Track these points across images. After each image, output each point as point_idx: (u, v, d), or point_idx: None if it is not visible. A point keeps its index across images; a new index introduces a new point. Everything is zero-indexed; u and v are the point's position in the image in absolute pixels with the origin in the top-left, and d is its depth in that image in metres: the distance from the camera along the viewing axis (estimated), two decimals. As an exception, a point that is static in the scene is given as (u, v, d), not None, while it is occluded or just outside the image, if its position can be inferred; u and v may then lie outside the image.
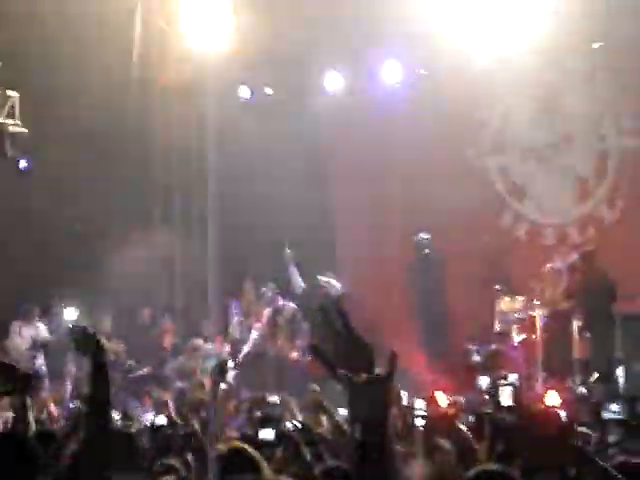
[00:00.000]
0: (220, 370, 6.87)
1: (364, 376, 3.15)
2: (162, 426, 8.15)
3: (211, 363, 13.10)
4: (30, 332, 13.68)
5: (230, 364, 12.59)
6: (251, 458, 5.14)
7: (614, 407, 10.16)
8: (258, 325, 14.15)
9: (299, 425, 7.22)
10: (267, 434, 6.80)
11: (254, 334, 14.27)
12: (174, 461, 5.94)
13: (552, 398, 9.18)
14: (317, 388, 8.40)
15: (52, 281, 14.01)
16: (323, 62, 15.86)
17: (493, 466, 4.61)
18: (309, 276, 14.37)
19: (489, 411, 8.50)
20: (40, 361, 13.68)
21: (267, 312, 14.08)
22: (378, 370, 3.20)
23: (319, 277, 14.02)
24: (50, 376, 13.85)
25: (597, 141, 15.53)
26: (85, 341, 4.21)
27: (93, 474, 4.04)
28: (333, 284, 13.80)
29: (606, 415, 9.81)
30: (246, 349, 14.18)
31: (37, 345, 13.69)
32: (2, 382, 4.82)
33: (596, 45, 14.93)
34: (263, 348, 14.05)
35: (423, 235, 14.90)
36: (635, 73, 14.77)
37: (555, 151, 15.69)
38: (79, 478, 4.14)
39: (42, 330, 13.89)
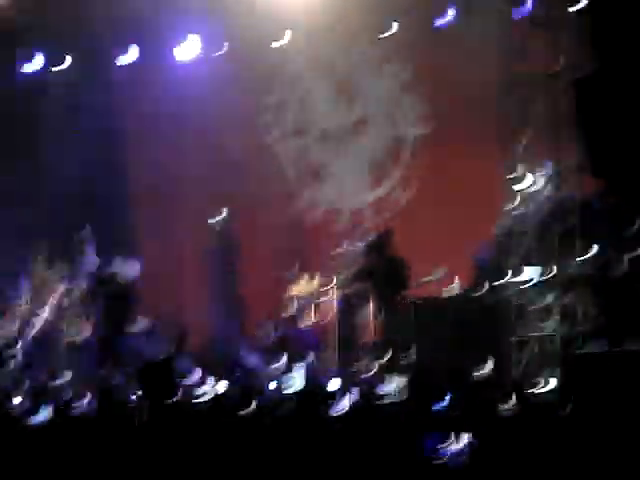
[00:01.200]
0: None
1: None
2: None
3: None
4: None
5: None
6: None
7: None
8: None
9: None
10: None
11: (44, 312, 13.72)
12: None
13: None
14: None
15: None
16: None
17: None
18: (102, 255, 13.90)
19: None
20: None
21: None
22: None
23: (113, 260, 13.55)
24: None
25: (391, 126, 15.74)
26: None
27: None
28: (125, 267, 13.38)
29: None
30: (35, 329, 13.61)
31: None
32: None
33: (385, 34, 15.08)
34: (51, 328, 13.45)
35: (218, 218, 14.67)
36: (429, 58, 15.04)
37: (351, 135, 15.84)
38: None
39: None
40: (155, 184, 15.79)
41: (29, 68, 15.55)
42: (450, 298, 12.62)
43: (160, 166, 15.71)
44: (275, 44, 15.16)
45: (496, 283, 11.99)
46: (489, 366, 10.57)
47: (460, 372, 10.15)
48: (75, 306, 13.21)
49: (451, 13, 14.45)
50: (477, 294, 12.12)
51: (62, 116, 15.39)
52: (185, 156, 15.86)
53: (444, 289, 12.88)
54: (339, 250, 13.98)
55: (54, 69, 15.62)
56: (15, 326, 13.57)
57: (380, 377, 11.13)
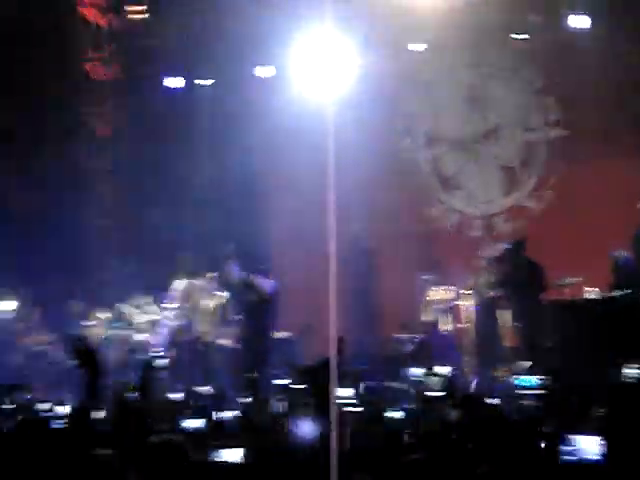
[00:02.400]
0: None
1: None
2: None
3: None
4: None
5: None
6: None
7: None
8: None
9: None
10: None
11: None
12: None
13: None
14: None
15: None
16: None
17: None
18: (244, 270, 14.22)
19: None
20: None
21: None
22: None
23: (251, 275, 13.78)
24: None
25: (524, 132, 15.74)
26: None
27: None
28: (263, 282, 13.67)
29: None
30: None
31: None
32: None
33: (520, 36, 15.10)
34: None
35: (357, 226, 14.78)
36: (561, 65, 15.00)
37: (483, 142, 15.88)
38: None
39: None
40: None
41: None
42: (590, 300, 12.46)
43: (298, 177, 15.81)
44: (410, 50, 15.25)
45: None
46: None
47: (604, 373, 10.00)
48: (221, 314, 13.54)
49: (582, 17, 14.42)
50: (618, 295, 11.95)
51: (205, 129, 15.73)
52: (323, 166, 15.93)
53: (585, 291, 12.73)
54: (475, 256, 14.06)
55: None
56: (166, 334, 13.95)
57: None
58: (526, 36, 15.01)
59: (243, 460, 5.86)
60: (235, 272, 13.59)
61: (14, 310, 13.96)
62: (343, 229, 14.26)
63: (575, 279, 13.11)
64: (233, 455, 6.04)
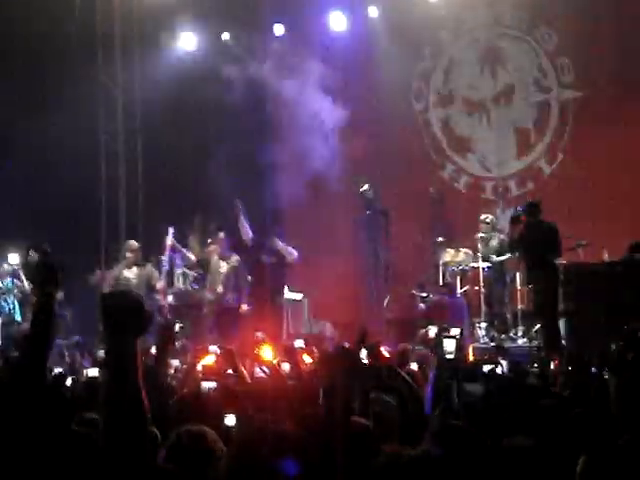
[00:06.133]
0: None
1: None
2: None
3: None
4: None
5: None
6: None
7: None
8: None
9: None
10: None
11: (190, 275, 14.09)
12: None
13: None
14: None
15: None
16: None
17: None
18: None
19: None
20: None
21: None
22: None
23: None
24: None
25: (538, 93, 15.61)
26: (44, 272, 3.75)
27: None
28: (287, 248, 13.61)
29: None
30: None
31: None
32: None
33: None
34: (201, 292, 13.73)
35: (366, 187, 14.68)
36: (576, 25, 14.86)
37: (496, 103, 15.76)
38: None
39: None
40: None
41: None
42: (605, 263, 12.38)
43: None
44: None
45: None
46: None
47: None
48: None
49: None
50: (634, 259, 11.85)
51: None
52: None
53: (604, 254, 12.65)
54: (486, 218, 13.97)
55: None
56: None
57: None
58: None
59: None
60: (247, 231, 13.43)
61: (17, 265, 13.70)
62: (355, 191, 14.30)
63: (586, 241, 13.04)
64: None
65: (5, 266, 13.36)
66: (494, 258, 13.70)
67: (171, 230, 13.18)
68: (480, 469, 3.86)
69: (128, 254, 13.05)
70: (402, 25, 15.34)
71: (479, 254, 13.70)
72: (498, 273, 13.73)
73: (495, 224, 14.17)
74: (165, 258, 13.23)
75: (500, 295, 13.74)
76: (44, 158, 14.32)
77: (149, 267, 13.13)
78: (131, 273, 12.95)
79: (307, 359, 7.80)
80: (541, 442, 4.36)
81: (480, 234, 13.82)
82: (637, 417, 4.97)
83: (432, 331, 11.90)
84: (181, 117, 15.65)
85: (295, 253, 13.45)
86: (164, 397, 5.61)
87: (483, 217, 14.01)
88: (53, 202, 14.05)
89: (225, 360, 6.47)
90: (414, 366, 7.72)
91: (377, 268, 14.51)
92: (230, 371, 6.36)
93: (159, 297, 13.08)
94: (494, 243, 13.83)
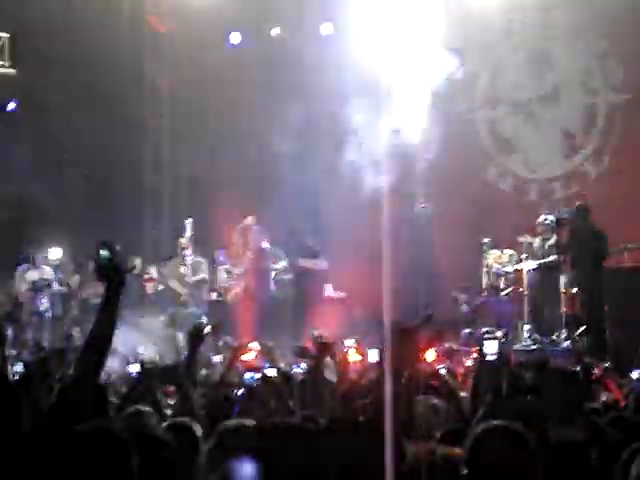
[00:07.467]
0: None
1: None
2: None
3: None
4: (34, 275, 13.49)
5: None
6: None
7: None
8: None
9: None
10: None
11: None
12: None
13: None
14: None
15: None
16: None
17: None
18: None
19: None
20: (41, 302, 13.48)
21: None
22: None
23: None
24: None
25: (586, 95, 15.55)
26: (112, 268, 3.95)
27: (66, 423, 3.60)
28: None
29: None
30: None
31: (38, 287, 13.46)
32: None
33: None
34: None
35: (413, 190, 14.70)
36: (625, 28, 14.77)
37: (543, 105, 15.70)
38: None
39: (47, 272, 13.65)
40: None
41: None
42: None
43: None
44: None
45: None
46: None
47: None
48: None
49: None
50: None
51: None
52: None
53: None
54: (535, 221, 13.91)
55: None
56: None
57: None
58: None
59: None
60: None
61: (58, 260, 13.92)
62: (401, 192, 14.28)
63: (634, 245, 12.99)
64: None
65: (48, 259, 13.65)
66: (544, 260, 13.63)
67: None
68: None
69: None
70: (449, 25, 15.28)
71: (524, 255, 13.64)
72: (544, 275, 13.66)
73: (554, 227, 14.01)
74: None
75: (545, 298, 13.67)
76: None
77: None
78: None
79: (356, 357, 7.85)
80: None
81: (537, 237, 13.69)
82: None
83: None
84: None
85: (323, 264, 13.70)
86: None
87: (542, 219, 13.86)
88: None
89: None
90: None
91: (421, 270, 14.51)
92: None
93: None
94: (548, 245, 13.73)
